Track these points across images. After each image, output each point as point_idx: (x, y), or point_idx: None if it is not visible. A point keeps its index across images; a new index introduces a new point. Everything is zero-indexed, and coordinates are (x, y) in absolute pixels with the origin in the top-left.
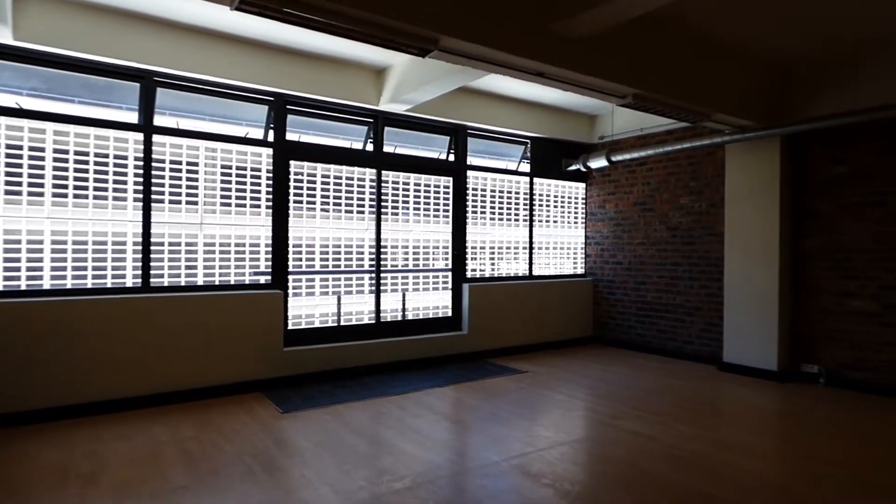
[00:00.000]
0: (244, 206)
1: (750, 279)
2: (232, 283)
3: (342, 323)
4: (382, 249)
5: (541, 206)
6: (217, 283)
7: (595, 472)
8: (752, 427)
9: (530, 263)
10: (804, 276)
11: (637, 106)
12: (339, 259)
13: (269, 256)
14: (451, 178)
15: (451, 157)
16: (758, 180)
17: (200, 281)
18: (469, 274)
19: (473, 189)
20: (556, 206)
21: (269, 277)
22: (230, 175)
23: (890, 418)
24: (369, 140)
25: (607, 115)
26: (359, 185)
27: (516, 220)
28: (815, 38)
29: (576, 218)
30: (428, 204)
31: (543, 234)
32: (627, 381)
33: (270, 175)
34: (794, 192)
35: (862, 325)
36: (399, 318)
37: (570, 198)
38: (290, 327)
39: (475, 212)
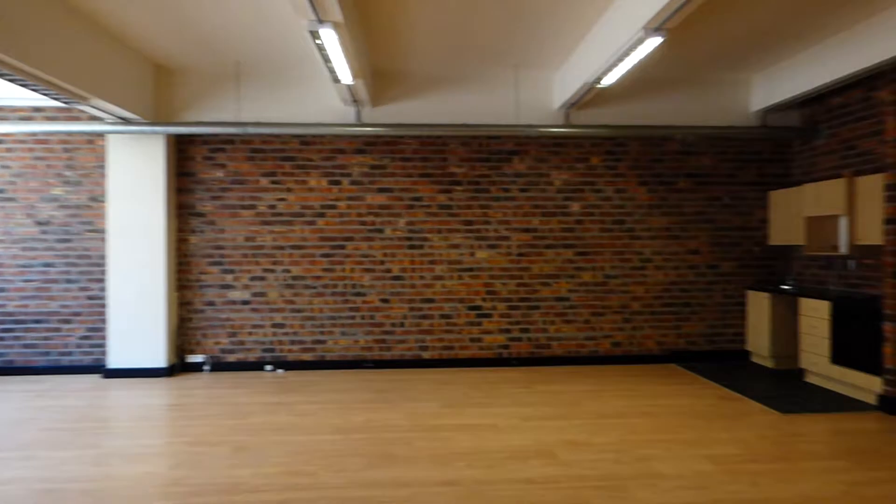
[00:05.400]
0: None
1: (136, 278)
2: None
3: None
4: None
5: None
6: None
7: None
8: (141, 430)
9: None
10: (191, 272)
11: None
12: None
13: None
14: None
15: None
16: (144, 176)
17: None
18: None
19: None
20: None
21: None
22: None
23: (252, 389)
24: None
25: None
26: None
27: None
28: (198, 50)
29: None
30: None
31: None
32: None
33: None
34: (182, 191)
35: (238, 312)
36: None
37: None
38: None
39: None
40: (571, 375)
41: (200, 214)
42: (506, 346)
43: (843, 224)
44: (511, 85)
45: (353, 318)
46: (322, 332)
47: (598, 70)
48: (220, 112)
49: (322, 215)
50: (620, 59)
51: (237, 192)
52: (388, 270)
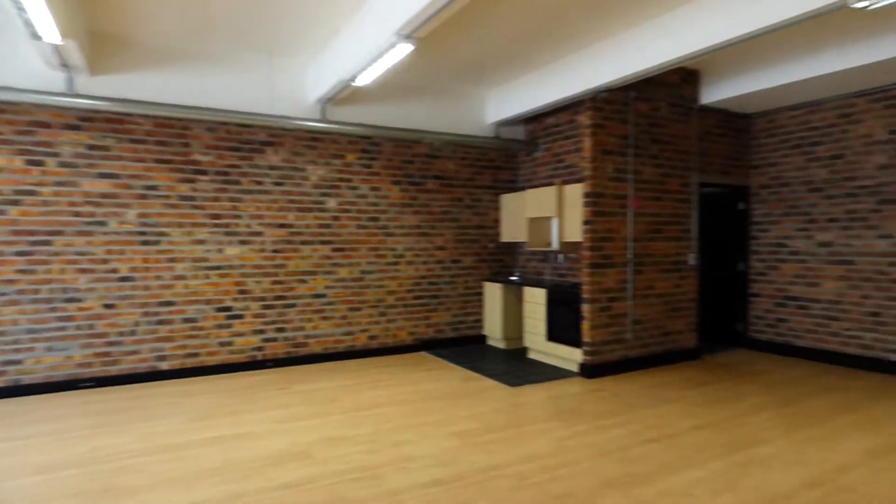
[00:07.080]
0: None
1: None
2: None
3: None
4: None
5: None
6: None
7: None
8: None
9: None
10: None
11: None
12: None
13: None
14: None
15: None
16: None
17: None
18: None
19: None
20: None
21: None
22: None
23: None
24: None
25: None
26: None
27: None
28: None
29: None
30: None
31: None
32: None
33: None
34: None
35: None
36: None
37: None
38: None
39: None
40: (329, 372)
41: None
42: (260, 348)
43: (554, 224)
44: (264, 71)
45: (63, 328)
46: (17, 350)
47: (354, 68)
48: None
49: (16, 203)
50: (374, 61)
51: None
52: (114, 270)
